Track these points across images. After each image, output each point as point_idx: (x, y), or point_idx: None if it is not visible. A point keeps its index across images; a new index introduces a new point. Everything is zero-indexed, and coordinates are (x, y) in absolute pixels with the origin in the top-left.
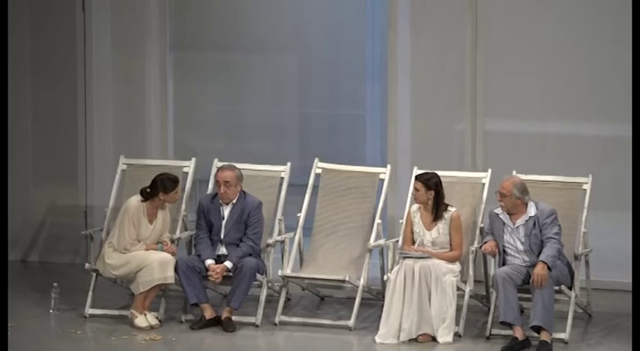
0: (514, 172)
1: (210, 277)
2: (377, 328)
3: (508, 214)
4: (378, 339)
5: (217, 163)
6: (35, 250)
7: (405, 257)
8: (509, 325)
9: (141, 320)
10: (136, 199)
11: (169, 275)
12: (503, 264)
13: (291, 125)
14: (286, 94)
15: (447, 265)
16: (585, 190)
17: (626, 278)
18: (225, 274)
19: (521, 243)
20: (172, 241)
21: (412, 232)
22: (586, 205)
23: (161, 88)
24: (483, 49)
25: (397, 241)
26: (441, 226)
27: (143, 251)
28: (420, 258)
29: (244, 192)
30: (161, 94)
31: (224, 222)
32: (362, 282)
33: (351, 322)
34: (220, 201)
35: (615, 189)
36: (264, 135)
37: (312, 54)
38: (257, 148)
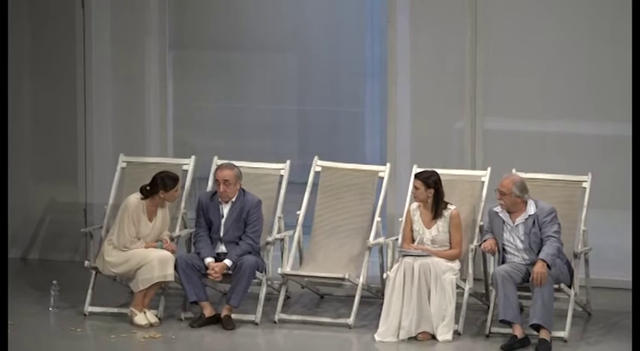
0: (514, 171)
1: (209, 276)
2: (376, 326)
3: (508, 212)
4: (377, 337)
5: (217, 161)
6: (35, 247)
7: (404, 255)
8: (509, 324)
9: (140, 318)
10: (135, 197)
11: (169, 273)
12: (503, 262)
13: (291, 123)
14: (286, 92)
15: (446, 263)
16: (585, 188)
17: (626, 276)
18: (224, 272)
19: (521, 241)
20: (172, 239)
21: (412, 231)
22: (585, 203)
23: (161, 86)
24: (483, 47)
25: (397, 239)
26: (441, 224)
27: (143, 249)
28: (419, 256)
29: (244, 190)
30: (161, 93)
31: (223, 220)
32: (361, 280)
33: (350, 320)
34: (220, 199)
35: (615, 187)
36: (263, 133)
37: (311, 52)
38: (256, 146)
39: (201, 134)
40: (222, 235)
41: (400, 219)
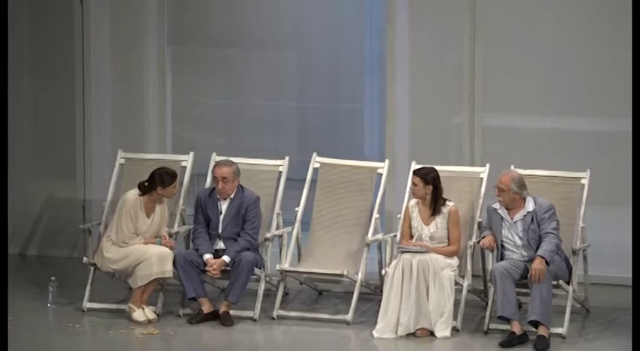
0: (512, 167)
1: (208, 272)
2: (375, 323)
3: (506, 208)
4: (375, 333)
5: (215, 158)
6: (33, 244)
7: (403, 252)
8: (507, 320)
9: (139, 314)
10: (133, 193)
11: (168, 269)
12: (501, 259)
13: (290, 120)
14: (285, 89)
15: (445, 259)
16: (583, 185)
17: (624, 273)
18: (223, 268)
19: (519, 238)
20: (170, 236)
21: (410, 227)
22: (584, 200)
23: (159, 82)
24: (481, 44)
25: (395, 235)
26: (439, 221)
27: (141, 245)
28: (418, 252)
29: (242, 186)
30: (159, 89)
31: (222, 217)
32: (360, 276)
33: (349, 317)
34: (218, 196)
35: (613, 184)
36: (262, 129)
37: (310, 49)
38: (255, 142)
39: (199, 131)
40: (220, 231)
41: (399, 215)
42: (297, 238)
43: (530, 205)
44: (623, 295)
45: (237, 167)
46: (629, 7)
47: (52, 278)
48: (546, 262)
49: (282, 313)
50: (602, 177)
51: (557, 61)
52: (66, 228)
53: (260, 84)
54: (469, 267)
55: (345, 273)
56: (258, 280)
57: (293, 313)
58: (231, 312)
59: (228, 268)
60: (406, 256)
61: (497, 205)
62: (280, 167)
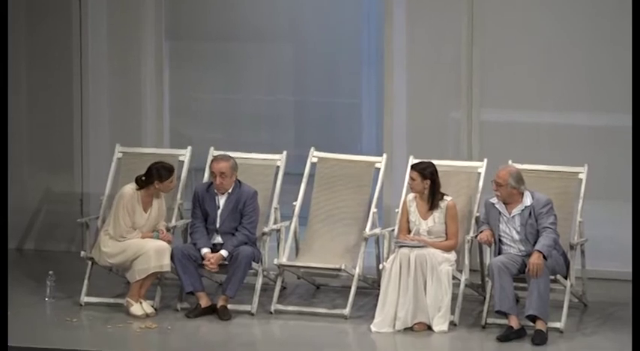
0: (510, 162)
1: (205, 266)
2: (372, 317)
3: (504, 203)
4: (373, 328)
5: (213, 152)
6: (31, 238)
7: (400, 246)
8: (505, 314)
9: (136, 308)
10: (130, 187)
11: (165, 263)
12: (499, 253)
13: (287, 114)
14: (282, 83)
15: (442, 254)
16: (581, 179)
17: (622, 267)
18: (220, 262)
19: (517, 232)
20: (168, 230)
21: (408, 221)
22: (582, 194)
23: (157, 77)
24: (479, 39)
25: (393, 230)
26: (437, 216)
27: (139, 239)
28: (415, 247)
29: (239, 181)
30: (157, 83)
31: (219, 211)
32: (357, 271)
33: (346, 311)
34: (216, 190)
35: (611, 178)
36: (259, 124)
37: (308, 43)
38: (253, 136)
39: (197, 125)
40: (218, 226)
41: (396, 210)
42: (295, 233)
43: (527, 200)
44: (620, 290)
45: (234, 162)
46: (629, 5)
47: (50, 272)
48: (544, 257)
49: (280, 307)
50: (600, 172)
51: (555, 56)
52: (63, 222)
53: (258, 78)
54: (467, 261)
55: (342, 267)
56: (255, 275)
57: (290, 308)
58: (229, 306)
59: (226, 263)
60: (404, 250)
61: (494, 200)
62: (278, 162)
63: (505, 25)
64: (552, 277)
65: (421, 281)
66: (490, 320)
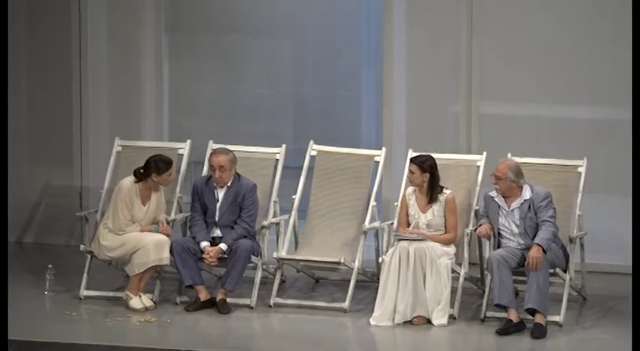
0: (509, 155)
1: (205, 259)
2: (372, 311)
3: (503, 197)
4: (372, 321)
5: (212, 146)
6: (30, 231)
7: (399, 239)
8: (504, 308)
9: (136, 302)
10: (128, 180)
11: (164, 257)
12: (498, 247)
13: (287, 107)
14: (282, 77)
15: (441, 247)
16: (580, 173)
17: (621, 261)
18: (220, 256)
19: (516, 226)
20: (168, 223)
21: (407, 215)
22: (581, 188)
23: (156, 70)
24: (479, 32)
25: (392, 223)
26: (436, 209)
27: (138, 233)
28: (414, 240)
29: (239, 174)
30: (156, 77)
31: (218, 205)
32: (357, 264)
33: (345, 305)
34: (215, 184)
35: (610, 172)
36: (259, 117)
37: (307, 36)
38: (252, 130)
39: (196, 118)
40: (217, 219)
41: (396, 203)
42: (294, 226)
43: (527, 193)
44: (619, 283)
45: (233, 155)
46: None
47: (50, 266)
48: (543, 250)
49: (279, 300)
50: (599, 165)
51: (555, 49)
52: (63, 216)
53: (257, 72)
54: (466, 255)
55: (342, 261)
56: (255, 268)
57: (290, 301)
58: (228, 300)
59: (225, 256)
60: (403, 243)
61: (494, 193)
62: (277, 155)
63: (505, 18)
64: (551, 271)
65: (420, 275)
66: (489, 314)
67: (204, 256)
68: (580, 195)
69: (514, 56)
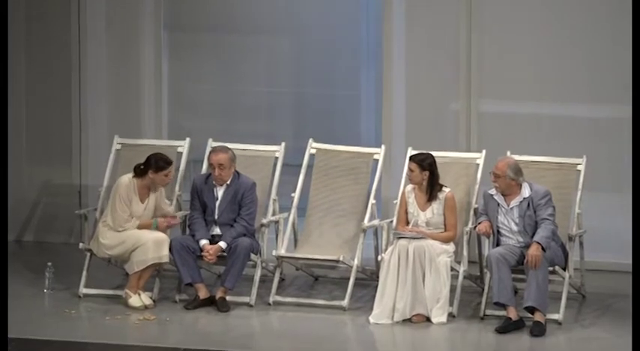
0: (508, 153)
1: (204, 258)
2: (371, 309)
3: (502, 195)
4: (372, 319)
5: (212, 144)
6: (29, 229)
7: (399, 237)
8: (503, 306)
9: (135, 300)
10: (127, 177)
11: (164, 255)
12: (497, 245)
13: (286, 105)
14: (281, 75)
15: (441, 245)
16: (579, 171)
17: (620, 259)
18: (219, 254)
19: (515, 224)
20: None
21: (406, 213)
22: (580, 186)
23: (156, 68)
24: (478, 31)
25: (391, 221)
26: (436, 207)
27: (137, 231)
28: (414, 238)
29: (238, 172)
30: (155, 75)
31: (218, 203)
32: (356, 262)
33: (345, 303)
34: (214, 182)
35: (609, 170)
36: (258, 115)
37: (307, 34)
38: (251, 128)
39: (196, 117)
40: (216, 217)
41: (395, 201)
42: (294, 224)
43: (526, 192)
44: (619, 281)
45: (233, 153)
46: None
47: (49, 264)
48: (542, 248)
49: (279, 298)
50: (599, 163)
51: (554, 47)
52: (62, 214)
53: (257, 70)
54: (465, 253)
55: (341, 259)
56: (254, 266)
57: (289, 299)
58: (228, 298)
59: (225, 254)
60: (402, 242)
61: (493, 191)
62: (276, 153)
63: (504, 16)
64: (551, 269)
65: (419, 273)
66: (488, 312)
67: (203, 254)
68: (579, 193)
69: (513, 54)
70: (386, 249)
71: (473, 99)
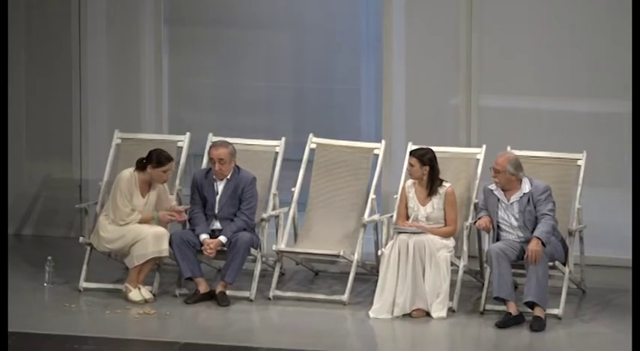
0: (508, 148)
1: (204, 252)
2: (371, 303)
3: (502, 190)
4: (371, 314)
5: (212, 138)
6: (29, 223)
7: (399, 232)
8: (503, 301)
9: (135, 294)
10: (128, 171)
11: (164, 249)
12: (497, 240)
13: (286, 100)
14: (281, 70)
15: (441, 240)
16: (580, 166)
17: (620, 254)
18: (219, 248)
19: (516, 219)
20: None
21: (407, 208)
22: (580, 181)
23: (156, 63)
24: (478, 25)
25: (391, 216)
26: (436, 202)
27: (138, 225)
28: (414, 233)
29: (238, 167)
30: (156, 69)
31: (218, 197)
32: (356, 257)
33: (345, 297)
34: (214, 176)
35: (610, 165)
36: (258, 110)
37: (307, 29)
38: (252, 122)
39: (196, 111)
40: (216, 211)
41: (395, 196)
42: (294, 219)
43: (526, 187)
44: (619, 277)
45: (233, 148)
46: None
47: (49, 258)
48: (543, 244)
49: (279, 293)
50: (599, 158)
51: (554, 42)
52: (62, 208)
53: (257, 64)
54: (465, 248)
55: (341, 253)
56: (254, 261)
57: (289, 294)
58: (228, 292)
59: (225, 249)
60: (402, 236)
61: (493, 186)
62: (277, 148)
63: (504, 10)
64: (551, 264)
65: (419, 267)
66: (488, 307)
67: (203, 248)
68: (579, 188)
69: (514, 49)
70: (386, 244)
71: (473, 94)
